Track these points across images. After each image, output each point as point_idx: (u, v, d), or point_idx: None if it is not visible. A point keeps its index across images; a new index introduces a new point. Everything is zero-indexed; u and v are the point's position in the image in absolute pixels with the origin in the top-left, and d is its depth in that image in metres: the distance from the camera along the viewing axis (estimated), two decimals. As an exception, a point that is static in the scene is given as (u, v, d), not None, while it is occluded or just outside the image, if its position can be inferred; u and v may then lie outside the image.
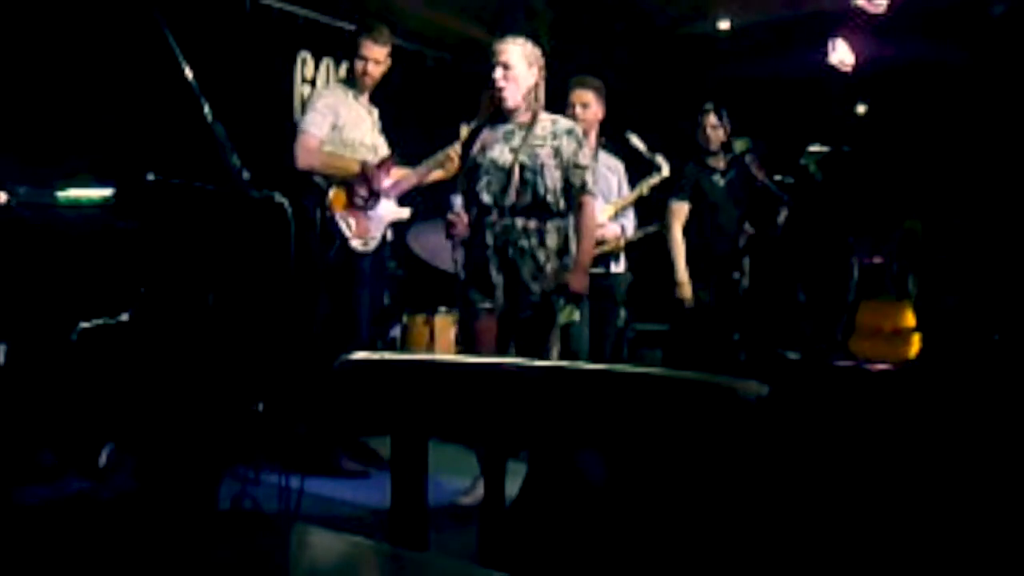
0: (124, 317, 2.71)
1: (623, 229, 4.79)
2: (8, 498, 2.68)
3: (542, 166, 3.60)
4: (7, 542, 1.08)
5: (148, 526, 1.19)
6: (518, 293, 3.62)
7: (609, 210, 4.69)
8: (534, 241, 3.61)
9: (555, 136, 3.66)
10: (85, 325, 2.69)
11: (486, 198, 3.64)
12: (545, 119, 3.70)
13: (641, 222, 5.04)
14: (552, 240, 3.63)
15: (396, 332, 5.32)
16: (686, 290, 5.06)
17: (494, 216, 3.63)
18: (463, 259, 3.75)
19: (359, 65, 4.34)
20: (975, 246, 4.84)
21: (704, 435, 1.12)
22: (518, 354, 3.73)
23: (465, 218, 3.69)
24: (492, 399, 1.28)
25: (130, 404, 2.85)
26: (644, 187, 4.83)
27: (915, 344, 4.59)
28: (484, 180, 3.65)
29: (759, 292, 5.29)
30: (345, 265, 4.23)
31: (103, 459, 3.12)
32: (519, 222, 3.61)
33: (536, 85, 3.67)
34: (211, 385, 2.90)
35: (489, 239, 3.64)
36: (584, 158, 3.69)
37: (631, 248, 4.93)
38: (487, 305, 3.64)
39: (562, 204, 3.66)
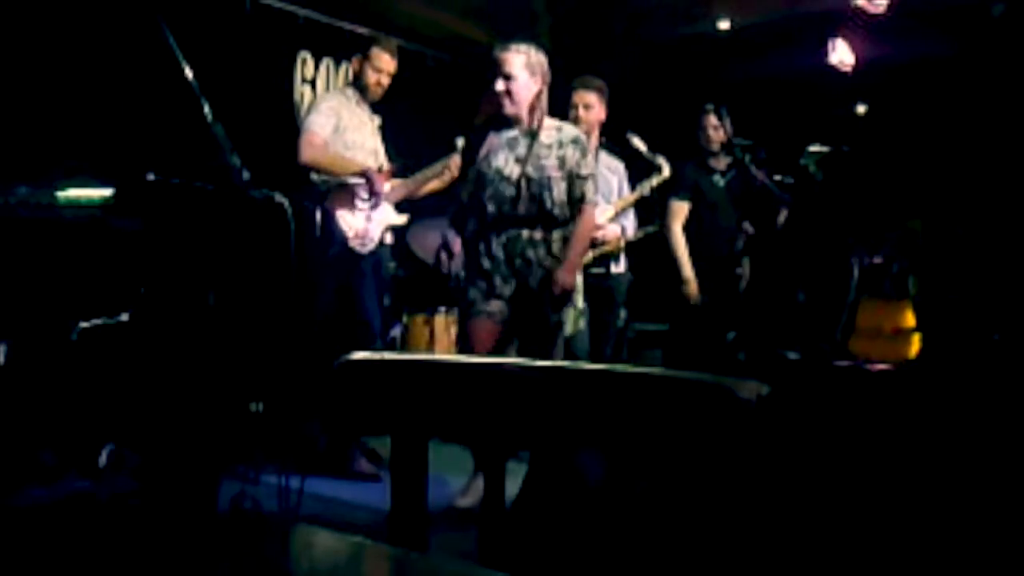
0: (124, 317, 2.71)
1: (623, 230, 4.79)
2: (8, 498, 2.68)
3: (549, 179, 3.58)
4: (7, 542, 1.08)
5: (148, 526, 1.19)
6: (530, 302, 3.62)
7: (610, 211, 4.69)
8: (541, 252, 3.61)
9: (560, 145, 3.63)
10: (85, 325, 2.69)
11: (491, 208, 3.61)
12: (550, 126, 3.66)
13: (641, 222, 5.04)
14: (557, 249, 3.64)
15: (396, 332, 5.33)
16: (693, 287, 5.05)
17: (500, 226, 3.62)
18: (464, 261, 3.76)
19: (372, 77, 4.37)
20: (975, 246, 4.84)
21: (704, 435, 1.12)
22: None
23: (458, 247, 3.73)
24: (492, 399, 1.28)
25: (130, 404, 2.85)
26: (645, 187, 4.83)
27: (915, 344, 4.59)
28: (489, 190, 3.61)
29: (759, 292, 5.29)
30: (345, 264, 4.24)
31: (103, 459, 3.12)
32: (525, 233, 3.60)
33: (540, 92, 3.63)
34: (211, 385, 2.90)
35: (496, 250, 3.62)
36: (586, 168, 3.66)
37: (631, 248, 4.93)
38: (489, 309, 3.63)
39: (567, 214, 3.65)
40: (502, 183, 3.60)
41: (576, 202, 3.66)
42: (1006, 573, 2.34)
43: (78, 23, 4.16)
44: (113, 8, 4.10)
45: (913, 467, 2.70)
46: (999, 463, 2.65)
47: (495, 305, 3.62)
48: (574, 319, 3.73)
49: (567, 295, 3.68)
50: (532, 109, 3.63)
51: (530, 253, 3.60)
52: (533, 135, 3.62)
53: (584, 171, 3.65)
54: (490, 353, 3.65)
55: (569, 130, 3.71)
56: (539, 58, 3.64)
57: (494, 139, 3.68)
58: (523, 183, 3.58)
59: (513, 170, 3.59)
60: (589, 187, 3.68)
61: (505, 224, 3.61)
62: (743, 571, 1.16)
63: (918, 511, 2.53)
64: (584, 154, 3.66)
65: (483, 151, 3.68)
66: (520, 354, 3.73)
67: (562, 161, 3.61)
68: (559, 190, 3.60)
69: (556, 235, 3.64)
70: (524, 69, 3.60)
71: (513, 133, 3.65)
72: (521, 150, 3.62)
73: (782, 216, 5.23)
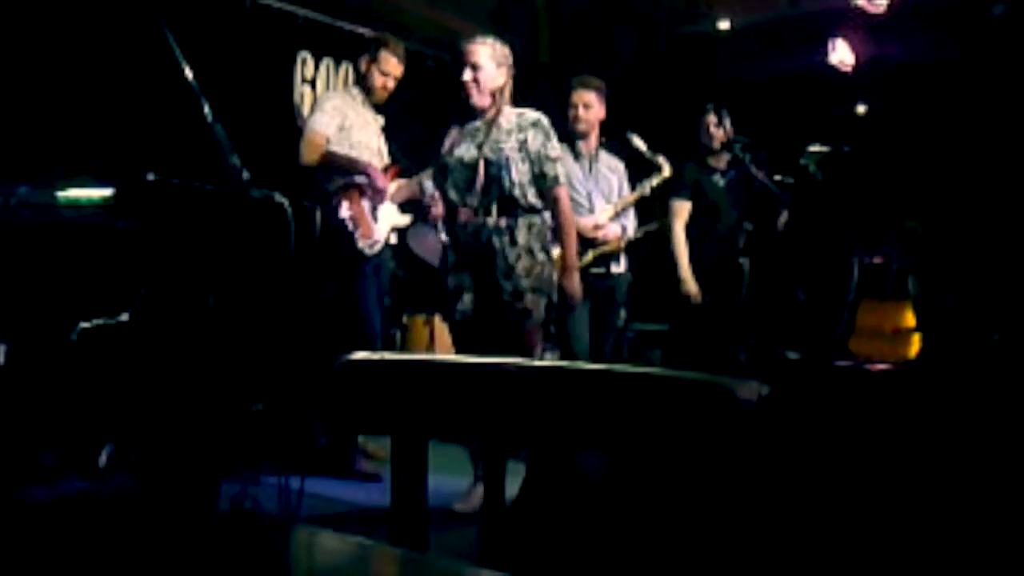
0: (124, 317, 2.71)
1: (624, 229, 4.78)
2: (8, 498, 2.68)
3: (507, 160, 3.59)
4: (7, 542, 1.08)
5: (148, 526, 1.19)
6: (490, 292, 3.61)
7: (610, 210, 4.69)
8: (505, 239, 3.59)
9: (520, 129, 3.65)
10: (85, 325, 2.69)
11: (453, 196, 3.66)
12: (510, 113, 3.70)
13: (641, 222, 5.04)
14: (522, 237, 3.60)
15: (396, 332, 5.33)
16: (691, 286, 5.05)
17: (463, 215, 3.64)
18: (445, 260, 3.77)
19: (379, 80, 4.37)
20: (975, 246, 4.84)
21: (704, 435, 1.12)
22: (499, 354, 3.70)
23: (439, 200, 3.72)
24: (492, 399, 1.28)
25: (130, 404, 2.85)
26: (645, 187, 4.83)
27: (915, 344, 4.59)
28: (451, 179, 3.67)
29: (759, 292, 5.29)
30: (348, 265, 4.24)
31: (103, 459, 3.12)
32: (489, 220, 3.60)
33: (504, 85, 3.67)
34: (211, 385, 2.90)
35: (461, 238, 3.65)
36: (554, 150, 3.67)
37: (631, 248, 4.93)
38: (462, 307, 3.64)
39: (531, 198, 3.64)
40: (462, 170, 3.64)
41: (548, 185, 3.65)
42: (1006, 573, 2.34)
43: (78, 23, 4.16)
44: (113, 8, 4.09)
45: (913, 467, 2.70)
46: (999, 463, 2.65)
47: (467, 301, 3.63)
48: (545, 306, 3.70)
49: (575, 299, 3.73)
50: (496, 100, 3.66)
51: (495, 241, 3.60)
52: (492, 122, 3.66)
53: (552, 152, 3.66)
54: (477, 351, 3.63)
55: (530, 114, 3.71)
56: (504, 51, 3.69)
57: (457, 133, 3.74)
58: (481, 166, 3.61)
59: (472, 155, 3.64)
60: (559, 168, 3.68)
61: (468, 212, 3.63)
62: (742, 571, 1.16)
63: (918, 511, 2.53)
64: (548, 136, 3.68)
65: (446, 145, 3.74)
66: (498, 347, 3.70)
67: (522, 144, 3.63)
68: (518, 171, 3.60)
69: (521, 222, 3.61)
70: (490, 60, 3.65)
71: (476, 124, 3.70)
72: (480, 137, 3.66)
73: (783, 216, 5.23)
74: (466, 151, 3.66)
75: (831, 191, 5.14)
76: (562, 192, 3.69)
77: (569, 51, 6.61)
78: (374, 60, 4.38)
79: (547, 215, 3.70)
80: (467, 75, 3.63)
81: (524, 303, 3.59)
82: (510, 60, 3.70)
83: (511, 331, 3.62)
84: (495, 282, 3.59)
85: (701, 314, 5.11)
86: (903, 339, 4.62)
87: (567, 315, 4.46)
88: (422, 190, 3.83)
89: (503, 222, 3.60)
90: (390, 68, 4.37)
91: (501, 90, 3.67)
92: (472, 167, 3.62)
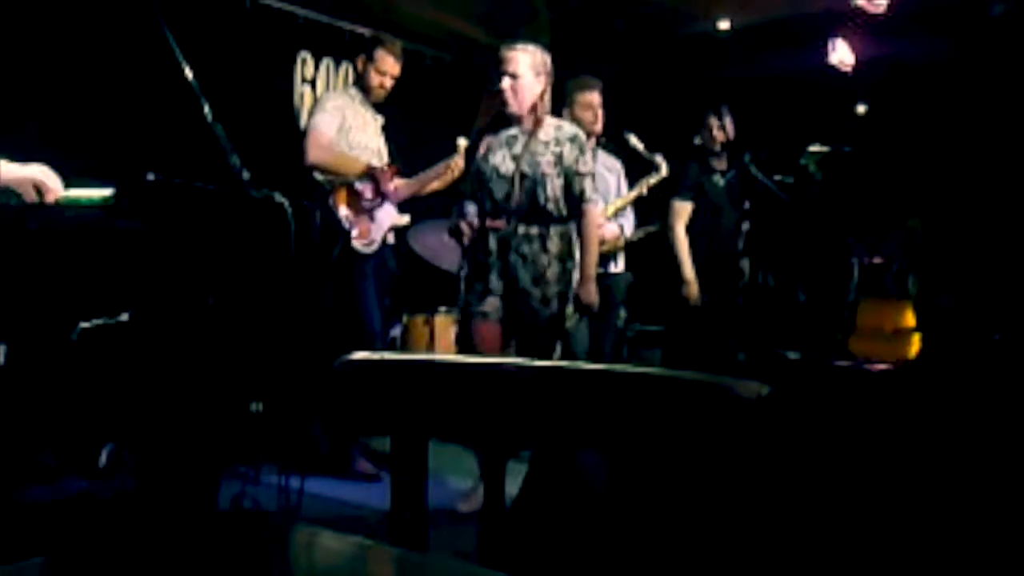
0: (124, 317, 2.71)
1: (622, 229, 4.79)
2: (8, 498, 2.68)
3: (543, 175, 3.62)
4: (8, 541, 1.08)
5: (148, 526, 1.19)
6: (518, 299, 3.64)
7: (608, 210, 4.69)
8: (536, 247, 3.63)
9: (558, 143, 3.66)
10: (85, 325, 2.69)
11: (488, 206, 3.68)
12: (549, 125, 3.70)
13: (640, 222, 5.04)
14: (554, 245, 3.65)
15: (396, 332, 5.32)
16: (693, 288, 5.06)
17: (495, 223, 3.65)
18: (465, 263, 3.77)
19: (376, 79, 4.37)
20: (975, 246, 4.84)
21: (704, 435, 1.12)
22: (520, 356, 3.73)
23: (476, 224, 3.71)
24: (492, 399, 1.28)
25: (130, 404, 2.85)
26: (643, 187, 4.83)
27: (915, 344, 4.59)
28: (487, 188, 3.68)
29: (759, 292, 5.29)
30: (348, 265, 4.24)
31: (103, 459, 3.12)
32: (521, 228, 3.63)
33: (543, 92, 3.67)
34: (211, 385, 2.90)
35: (492, 244, 3.66)
36: (585, 166, 3.69)
37: (630, 248, 4.93)
38: (483, 309, 3.65)
39: (564, 210, 3.68)
40: (498, 180, 3.65)
41: (576, 201, 3.69)
42: (1006, 573, 2.34)
43: (78, 23, 4.16)
44: (113, 8, 4.10)
45: (913, 467, 2.70)
46: (999, 463, 2.65)
47: (491, 304, 3.65)
48: (569, 314, 3.75)
49: (589, 309, 3.75)
50: (533, 108, 3.66)
51: (525, 248, 3.63)
52: (531, 133, 3.66)
53: (583, 168, 3.69)
54: (492, 353, 3.66)
55: (568, 128, 3.75)
56: (544, 58, 3.69)
57: (493, 139, 3.73)
58: (517, 179, 3.62)
59: (509, 167, 3.64)
60: (588, 184, 3.71)
61: (502, 219, 3.64)
62: (743, 571, 1.16)
63: (918, 511, 2.53)
64: (582, 151, 3.70)
65: (482, 150, 3.74)
66: (518, 350, 3.73)
67: (558, 158, 3.65)
68: (553, 186, 3.64)
69: (553, 231, 3.65)
70: (529, 69, 3.64)
71: (513, 131, 3.70)
72: (518, 148, 3.66)
73: (782, 217, 5.24)
74: (502, 162, 3.66)
75: (831, 191, 5.15)
76: (590, 208, 3.72)
77: (569, 51, 6.60)
78: (371, 59, 4.38)
79: (574, 225, 3.74)
80: (505, 83, 3.63)
81: (552, 309, 3.64)
82: (549, 67, 3.69)
83: (535, 335, 3.66)
84: (522, 290, 3.62)
85: (700, 314, 5.12)
86: (903, 339, 4.62)
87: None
88: (463, 212, 3.80)
89: (535, 230, 3.64)
90: (387, 67, 4.37)
91: (540, 98, 3.67)
92: (508, 180, 3.63)
